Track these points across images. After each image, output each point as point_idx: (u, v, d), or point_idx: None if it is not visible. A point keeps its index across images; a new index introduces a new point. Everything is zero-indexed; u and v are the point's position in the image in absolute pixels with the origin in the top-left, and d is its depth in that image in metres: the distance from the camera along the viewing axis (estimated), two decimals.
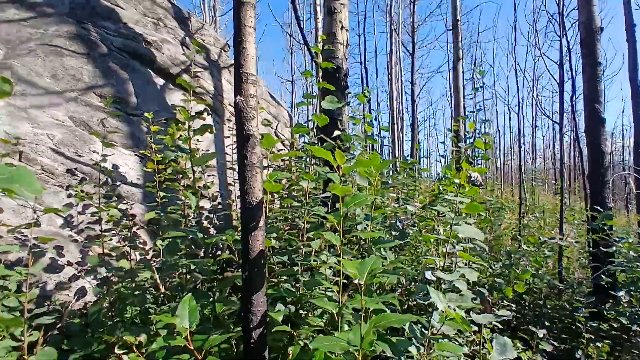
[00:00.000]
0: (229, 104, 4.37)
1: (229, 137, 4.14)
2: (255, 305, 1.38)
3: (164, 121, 3.67)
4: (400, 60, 20.06)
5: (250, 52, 1.43)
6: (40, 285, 2.41)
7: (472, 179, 3.73)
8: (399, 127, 19.52)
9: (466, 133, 6.18)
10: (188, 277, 2.57)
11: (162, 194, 3.27)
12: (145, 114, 3.35)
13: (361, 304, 1.18)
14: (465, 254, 1.93)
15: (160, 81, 3.83)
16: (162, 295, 2.56)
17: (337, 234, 1.37)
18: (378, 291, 2.81)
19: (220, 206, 3.80)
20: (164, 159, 3.27)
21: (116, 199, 3.12)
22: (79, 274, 2.63)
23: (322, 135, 3.11)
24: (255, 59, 1.48)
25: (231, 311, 2.12)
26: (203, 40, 4.51)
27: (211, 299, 1.93)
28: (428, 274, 2.04)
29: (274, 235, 1.96)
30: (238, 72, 1.42)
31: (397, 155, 18.22)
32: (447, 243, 2.04)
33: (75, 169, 2.95)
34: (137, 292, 2.40)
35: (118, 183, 3.18)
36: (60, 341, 2.06)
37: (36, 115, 3.00)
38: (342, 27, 3.30)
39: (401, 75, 20.20)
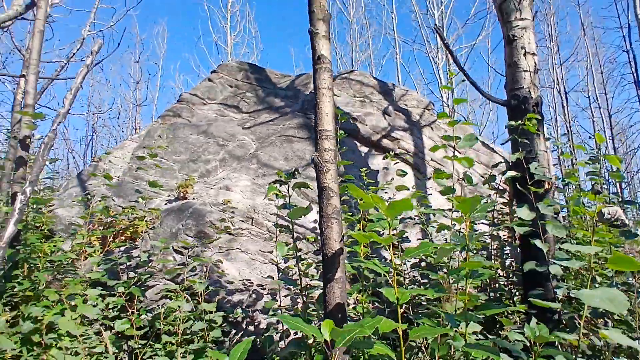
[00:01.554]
0: (431, 160, 4.40)
1: (431, 193, 4.13)
2: None
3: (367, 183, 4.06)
4: None
5: (325, 110, 1.57)
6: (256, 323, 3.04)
7: (610, 216, 2.32)
8: None
9: None
10: None
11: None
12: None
13: None
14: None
15: (364, 149, 4.32)
16: None
17: None
18: None
19: None
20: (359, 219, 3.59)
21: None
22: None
23: (515, 173, 2.71)
24: (333, 115, 1.60)
25: None
26: (406, 105, 4.82)
27: None
28: None
29: (359, 287, 1.84)
30: (315, 130, 1.58)
31: None
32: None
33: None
34: None
35: None
36: None
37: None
38: (525, 53, 2.91)
39: None
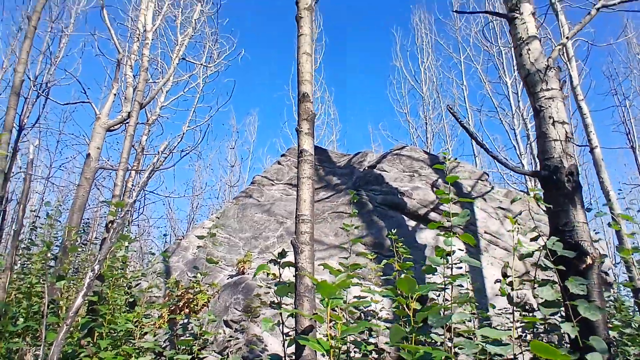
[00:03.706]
0: (485, 232, 4.25)
1: (484, 267, 3.95)
2: None
3: (412, 259, 4.05)
4: None
5: (303, 197, 1.80)
6: None
7: None
8: None
9: None
10: None
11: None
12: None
13: None
14: None
15: (412, 223, 4.37)
16: None
17: None
18: None
19: None
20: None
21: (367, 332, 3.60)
22: None
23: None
24: (311, 201, 1.82)
25: None
26: (458, 178, 4.81)
27: None
28: None
29: None
30: (296, 215, 1.80)
31: None
32: None
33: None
34: None
35: (369, 318, 3.69)
36: None
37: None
38: (554, 122, 2.86)
39: None
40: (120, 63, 5.93)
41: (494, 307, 3.53)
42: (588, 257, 2.54)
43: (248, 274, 4.25)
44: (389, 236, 3.75)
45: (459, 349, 2.35)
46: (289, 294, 1.94)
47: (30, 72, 8.86)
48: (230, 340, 3.37)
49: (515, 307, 3.06)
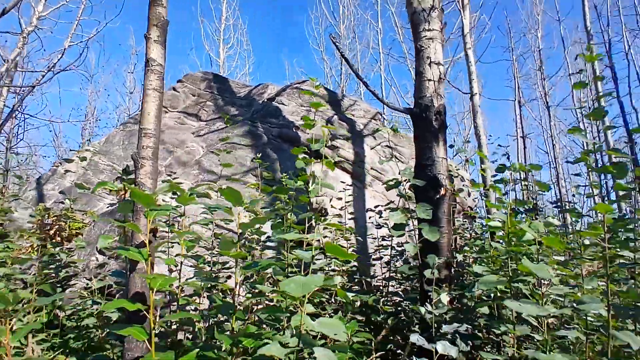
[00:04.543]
0: (371, 169, 4.50)
1: (367, 199, 4.23)
2: None
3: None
4: None
5: (147, 110, 1.71)
6: None
7: None
8: None
9: None
10: None
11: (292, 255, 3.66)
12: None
13: None
14: None
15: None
16: None
17: None
18: None
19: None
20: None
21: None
22: None
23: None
24: (156, 115, 1.72)
25: None
26: (353, 115, 4.95)
27: None
28: None
29: None
30: (139, 129, 1.71)
31: None
32: None
33: (221, 234, 3.75)
34: None
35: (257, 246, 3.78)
36: None
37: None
38: (430, 63, 3.02)
39: None
40: None
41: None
42: (442, 188, 2.83)
43: None
44: (256, 161, 3.76)
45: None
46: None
47: None
48: (103, 266, 3.23)
49: (378, 229, 3.35)
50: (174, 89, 6.30)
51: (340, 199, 3.72)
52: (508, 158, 4.17)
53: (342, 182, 4.06)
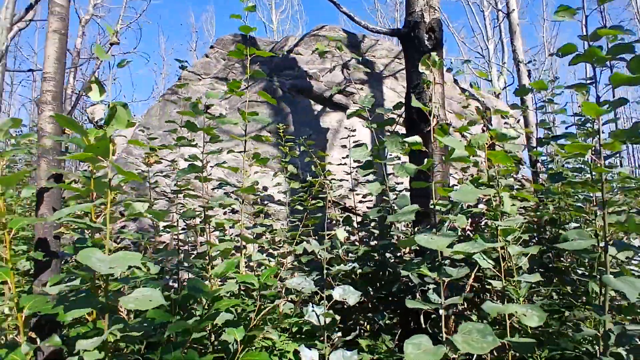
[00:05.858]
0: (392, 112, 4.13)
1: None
2: None
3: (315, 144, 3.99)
4: None
5: (48, 53, 1.65)
6: None
7: None
8: None
9: None
10: None
11: (299, 208, 3.57)
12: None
13: None
14: None
15: (318, 107, 4.22)
16: None
17: None
18: None
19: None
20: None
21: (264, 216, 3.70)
22: None
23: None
24: (57, 58, 1.66)
25: None
26: (374, 56, 4.53)
27: None
28: None
29: None
30: (42, 73, 1.66)
31: None
32: None
33: (232, 192, 3.78)
34: None
35: (266, 202, 3.76)
36: None
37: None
38: None
39: None
40: None
41: None
42: (434, 118, 2.45)
43: None
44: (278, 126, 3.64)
45: None
46: None
47: None
48: (123, 227, 3.48)
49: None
50: (207, 55, 6.37)
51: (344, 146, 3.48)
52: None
53: (353, 130, 3.79)
